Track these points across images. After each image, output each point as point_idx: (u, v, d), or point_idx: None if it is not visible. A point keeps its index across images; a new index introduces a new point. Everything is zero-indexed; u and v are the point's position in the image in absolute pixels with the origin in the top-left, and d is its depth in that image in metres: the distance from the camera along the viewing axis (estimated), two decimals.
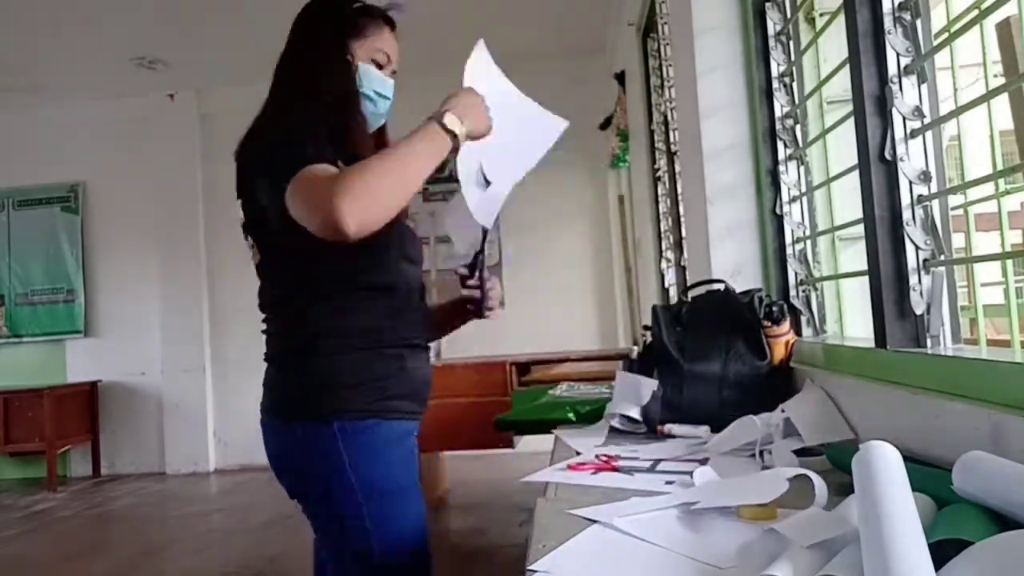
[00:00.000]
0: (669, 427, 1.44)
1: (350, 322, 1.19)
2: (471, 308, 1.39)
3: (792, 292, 1.72)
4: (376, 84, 1.30)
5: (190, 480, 5.72)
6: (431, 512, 1.33)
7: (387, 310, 1.22)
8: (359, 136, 1.24)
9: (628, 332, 5.54)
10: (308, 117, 1.19)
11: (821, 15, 1.64)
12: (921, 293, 1.14)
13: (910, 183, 1.16)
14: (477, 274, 1.35)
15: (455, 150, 1.16)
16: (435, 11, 4.47)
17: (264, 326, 1.28)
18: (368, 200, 1.01)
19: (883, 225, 1.18)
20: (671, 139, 3.22)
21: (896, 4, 1.17)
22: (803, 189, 1.72)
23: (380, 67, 1.32)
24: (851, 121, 1.26)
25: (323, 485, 1.18)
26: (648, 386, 1.48)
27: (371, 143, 1.26)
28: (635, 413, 1.49)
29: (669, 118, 3.19)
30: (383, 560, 1.17)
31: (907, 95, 1.15)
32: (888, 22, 1.17)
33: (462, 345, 5.57)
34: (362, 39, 1.30)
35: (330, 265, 1.18)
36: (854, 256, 1.60)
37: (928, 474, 0.79)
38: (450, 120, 1.13)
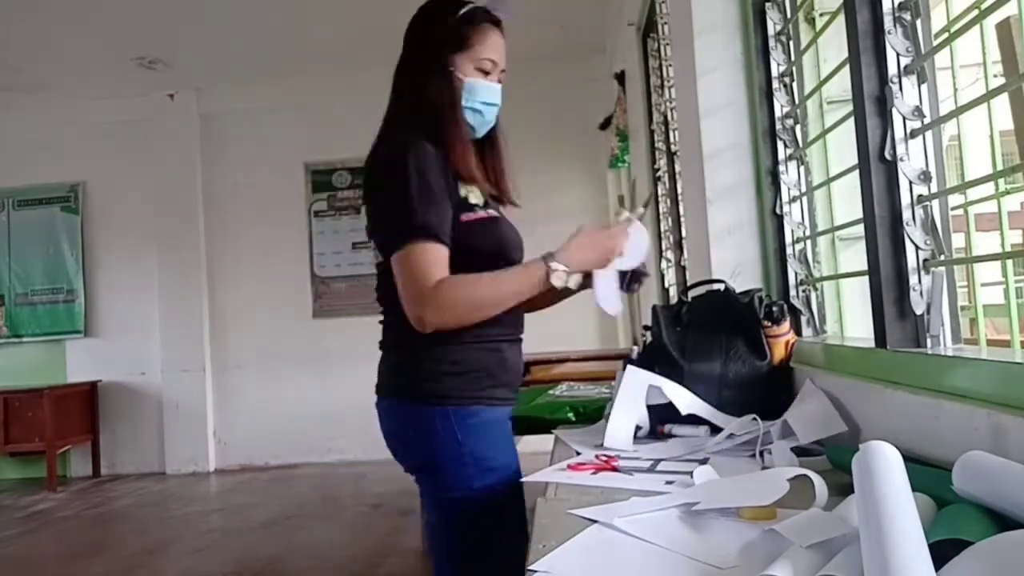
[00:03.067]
0: (669, 427, 1.44)
1: None
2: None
3: (792, 292, 1.72)
4: (482, 95, 1.36)
5: (190, 480, 5.72)
6: None
7: None
8: (459, 153, 1.32)
9: (628, 332, 5.54)
10: (426, 149, 1.28)
11: (821, 15, 1.64)
12: (921, 293, 1.14)
13: (910, 183, 1.16)
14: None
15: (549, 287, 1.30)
16: None
17: (381, 317, 1.40)
18: (451, 318, 1.25)
19: (883, 225, 1.18)
20: (671, 139, 3.22)
21: (896, 4, 1.17)
22: (803, 189, 1.72)
23: (487, 73, 1.37)
24: (851, 121, 1.26)
25: (441, 462, 1.30)
26: (669, 387, 1.44)
27: (471, 158, 1.34)
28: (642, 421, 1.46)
29: (669, 118, 3.19)
30: (488, 524, 1.30)
31: (907, 95, 1.15)
32: (888, 22, 1.17)
33: None
34: (467, 50, 1.35)
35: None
36: (854, 256, 1.60)
37: (928, 474, 0.79)
38: (556, 275, 1.27)
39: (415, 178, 1.26)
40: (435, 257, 1.24)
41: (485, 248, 1.33)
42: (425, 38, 1.37)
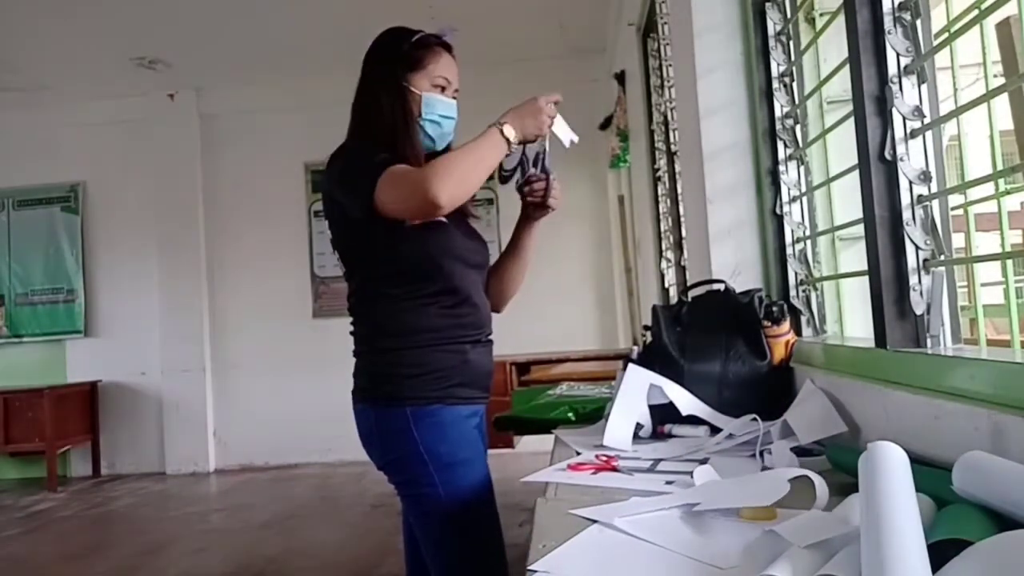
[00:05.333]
0: (669, 427, 1.44)
1: (415, 322, 1.38)
2: (538, 202, 1.51)
3: (792, 292, 1.72)
4: (440, 108, 1.46)
5: (190, 480, 5.72)
6: None
7: (448, 311, 1.40)
8: (412, 164, 1.38)
9: (628, 332, 5.54)
10: (369, 145, 1.40)
11: (821, 15, 1.64)
12: (921, 293, 1.14)
13: (910, 183, 1.16)
14: (542, 166, 1.49)
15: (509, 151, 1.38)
16: (436, 11, 4.47)
17: (351, 327, 1.48)
18: (453, 180, 1.27)
19: (883, 225, 1.18)
20: (671, 139, 3.22)
21: (896, 4, 1.17)
22: (803, 189, 1.72)
23: (443, 90, 1.46)
24: (851, 121, 1.26)
25: (401, 459, 1.38)
26: (670, 387, 1.44)
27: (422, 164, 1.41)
28: (643, 420, 1.47)
29: (669, 118, 3.19)
30: (454, 518, 1.37)
31: (907, 95, 1.15)
32: (888, 22, 1.17)
33: None
34: (422, 70, 1.45)
35: (398, 275, 1.39)
36: (854, 256, 1.60)
37: (928, 474, 0.79)
38: (506, 129, 1.36)
39: (362, 151, 1.38)
40: (406, 166, 1.33)
41: (430, 252, 1.39)
42: (381, 61, 1.47)
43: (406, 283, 1.39)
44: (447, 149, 1.51)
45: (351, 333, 1.48)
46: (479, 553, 1.40)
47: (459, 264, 1.43)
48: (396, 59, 1.45)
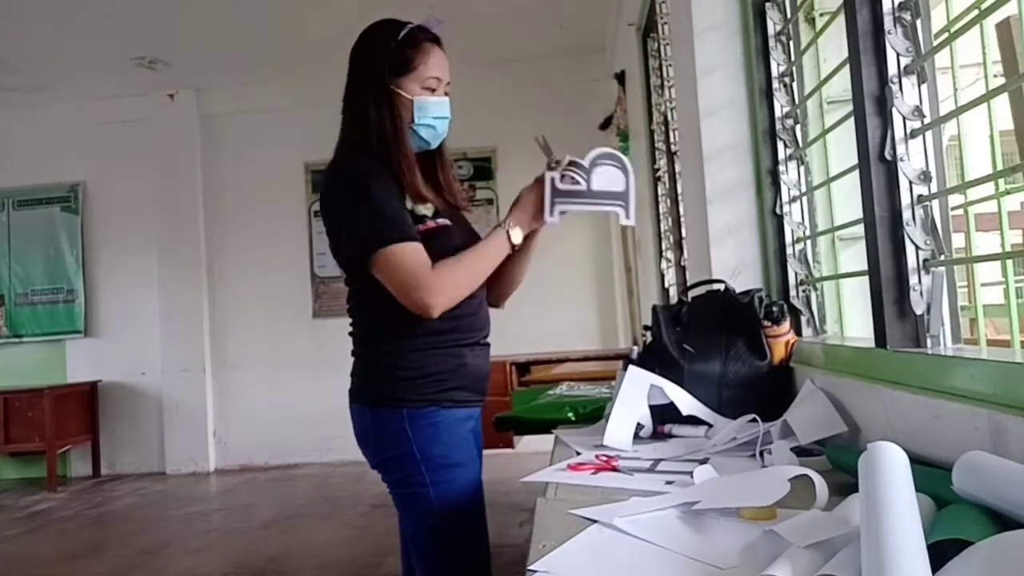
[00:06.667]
0: (669, 427, 1.44)
1: (415, 325, 1.37)
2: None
3: (792, 292, 1.72)
4: (433, 111, 1.43)
5: (190, 480, 5.72)
6: None
7: (447, 314, 1.37)
8: (407, 176, 1.39)
9: (628, 332, 5.54)
10: (371, 168, 1.37)
11: (821, 15, 1.64)
12: (921, 293, 1.14)
13: (910, 183, 1.16)
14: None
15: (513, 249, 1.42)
16: (435, 11, 4.48)
17: (351, 328, 1.48)
18: (450, 296, 1.33)
19: (883, 225, 1.18)
20: (671, 139, 3.22)
21: (896, 4, 1.17)
22: (803, 189, 1.72)
23: (433, 91, 1.42)
24: (851, 121, 1.26)
25: (395, 459, 1.40)
26: (670, 388, 1.44)
27: (418, 180, 1.41)
28: (644, 420, 1.47)
29: (669, 118, 3.19)
30: (443, 519, 1.38)
31: (907, 95, 1.15)
32: (888, 22, 1.17)
33: None
34: (411, 72, 1.40)
35: None
36: (854, 256, 1.60)
37: (928, 474, 0.79)
38: (514, 234, 1.39)
39: (370, 191, 1.34)
40: (417, 251, 1.33)
41: (431, 255, 1.37)
42: (368, 64, 1.42)
43: None
44: (440, 146, 1.50)
45: (350, 334, 1.48)
46: (465, 555, 1.41)
47: None
48: (383, 60, 1.40)
